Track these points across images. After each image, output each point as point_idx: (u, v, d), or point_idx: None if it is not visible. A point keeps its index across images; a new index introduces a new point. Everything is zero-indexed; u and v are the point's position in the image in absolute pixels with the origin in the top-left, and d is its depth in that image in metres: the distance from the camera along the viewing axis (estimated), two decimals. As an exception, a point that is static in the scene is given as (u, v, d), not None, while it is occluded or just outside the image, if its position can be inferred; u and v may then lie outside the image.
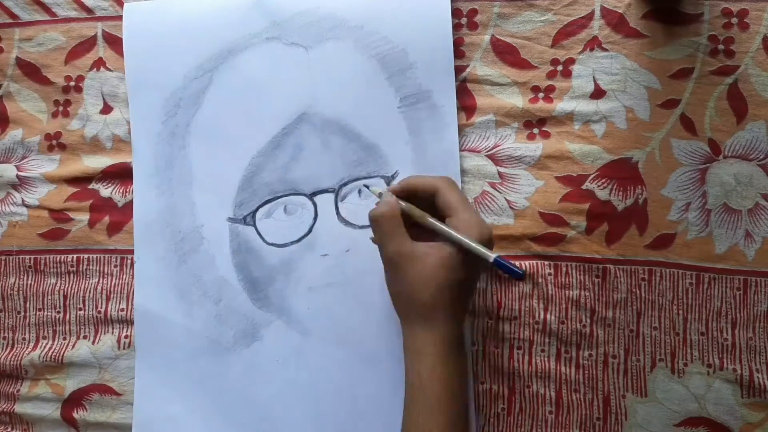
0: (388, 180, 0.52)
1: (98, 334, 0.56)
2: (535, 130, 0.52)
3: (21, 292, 0.57)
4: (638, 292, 0.50)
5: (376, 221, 0.45)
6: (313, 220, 0.53)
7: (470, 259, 0.43)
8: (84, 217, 0.57)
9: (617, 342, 0.50)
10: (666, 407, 0.49)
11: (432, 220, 0.44)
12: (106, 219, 0.57)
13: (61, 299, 0.57)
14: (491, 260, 0.41)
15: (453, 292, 0.43)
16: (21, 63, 0.59)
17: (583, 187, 0.51)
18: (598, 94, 0.52)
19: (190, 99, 0.55)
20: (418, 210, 0.45)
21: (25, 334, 0.57)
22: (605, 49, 0.52)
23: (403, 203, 0.46)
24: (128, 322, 0.55)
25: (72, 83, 0.58)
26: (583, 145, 0.51)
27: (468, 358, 0.50)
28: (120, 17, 0.57)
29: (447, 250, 0.43)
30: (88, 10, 0.58)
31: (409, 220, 0.45)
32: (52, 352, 0.56)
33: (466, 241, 0.42)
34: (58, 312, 0.56)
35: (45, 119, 0.59)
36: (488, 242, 0.43)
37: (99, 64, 0.58)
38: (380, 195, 0.47)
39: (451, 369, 0.43)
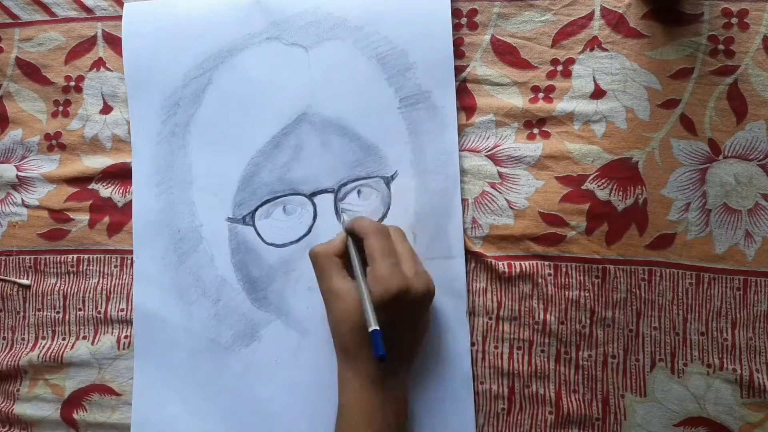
0: (388, 180, 0.52)
1: (98, 334, 0.56)
2: (535, 130, 0.52)
3: (20, 293, 0.57)
4: (638, 292, 0.50)
5: (311, 258, 0.47)
6: (312, 220, 0.53)
7: (396, 302, 0.43)
8: (84, 217, 0.57)
9: (617, 342, 0.50)
10: (665, 407, 0.49)
11: (355, 265, 0.46)
12: (106, 219, 0.57)
13: (61, 299, 0.57)
14: (369, 330, 0.41)
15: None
16: (21, 63, 0.59)
17: (583, 187, 0.51)
18: (598, 94, 0.52)
19: (189, 99, 0.55)
20: (353, 253, 0.46)
21: (24, 335, 0.57)
22: (605, 49, 0.52)
23: (350, 243, 0.47)
24: (128, 322, 0.55)
25: (72, 83, 0.58)
26: (583, 145, 0.51)
27: (468, 359, 0.50)
28: (120, 17, 0.57)
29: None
30: (88, 10, 0.58)
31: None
32: (51, 353, 0.56)
33: (364, 296, 0.43)
34: (58, 312, 0.56)
35: (45, 119, 0.59)
36: (395, 299, 0.42)
37: (99, 64, 0.58)
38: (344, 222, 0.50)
39: (372, 402, 0.44)
